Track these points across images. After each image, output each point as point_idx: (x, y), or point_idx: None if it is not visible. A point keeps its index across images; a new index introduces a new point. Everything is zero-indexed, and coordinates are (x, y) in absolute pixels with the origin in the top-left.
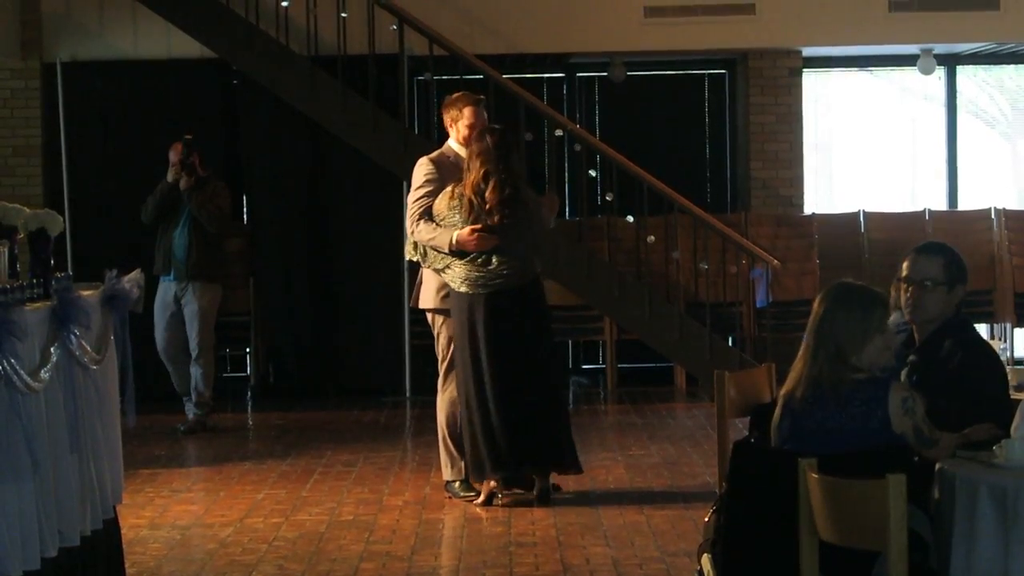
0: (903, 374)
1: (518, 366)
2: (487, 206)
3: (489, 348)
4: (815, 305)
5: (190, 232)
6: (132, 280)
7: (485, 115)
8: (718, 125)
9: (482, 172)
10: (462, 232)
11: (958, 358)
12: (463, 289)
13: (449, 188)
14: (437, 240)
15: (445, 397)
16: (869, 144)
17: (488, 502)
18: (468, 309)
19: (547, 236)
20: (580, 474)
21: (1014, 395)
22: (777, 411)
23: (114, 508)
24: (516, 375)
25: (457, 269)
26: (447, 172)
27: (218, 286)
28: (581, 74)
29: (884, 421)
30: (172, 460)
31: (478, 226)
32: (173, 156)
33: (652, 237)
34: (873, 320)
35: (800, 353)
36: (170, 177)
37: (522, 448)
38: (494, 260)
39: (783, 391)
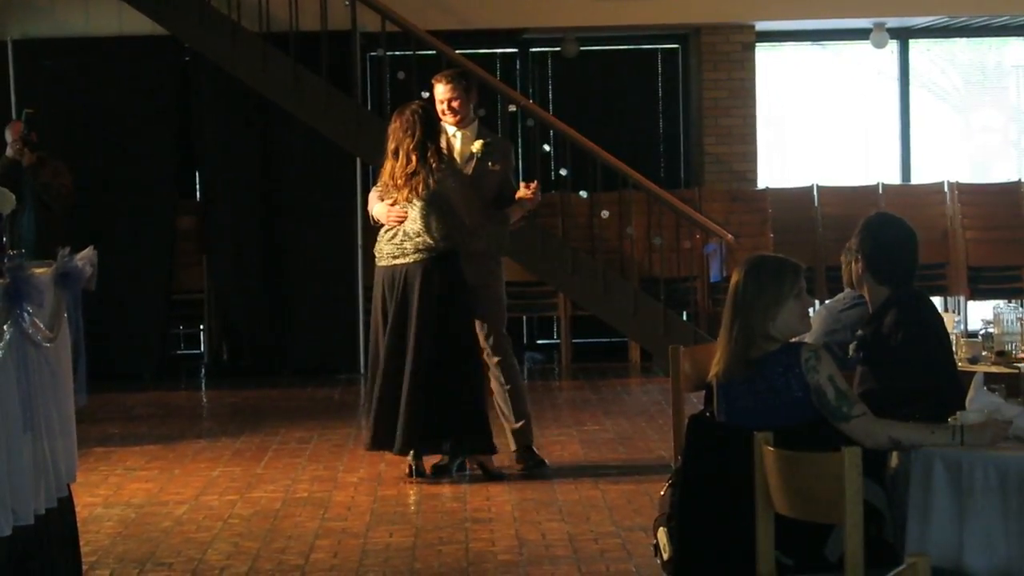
0: (851, 348)
1: (410, 342)
2: (394, 182)
3: (386, 322)
4: (731, 282)
5: (35, 214)
6: (85, 258)
7: (450, 88)
8: (671, 100)
9: (391, 149)
10: (379, 207)
11: (900, 335)
12: (377, 262)
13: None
14: (372, 215)
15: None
16: (822, 118)
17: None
18: (378, 282)
19: (485, 219)
20: (491, 454)
21: (967, 368)
22: (713, 395)
23: (68, 486)
24: (408, 350)
25: (378, 244)
26: None
27: None
28: (534, 49)
29: (806, 387)
30: (126, 438)
31: (390, 202)
32: (9, 135)
33: (606, 212)
34: (784, 286)
35: (720, 333)
36: (10, 152)
37: (402, 424)
38: (399, 235)
39: (710, 375)
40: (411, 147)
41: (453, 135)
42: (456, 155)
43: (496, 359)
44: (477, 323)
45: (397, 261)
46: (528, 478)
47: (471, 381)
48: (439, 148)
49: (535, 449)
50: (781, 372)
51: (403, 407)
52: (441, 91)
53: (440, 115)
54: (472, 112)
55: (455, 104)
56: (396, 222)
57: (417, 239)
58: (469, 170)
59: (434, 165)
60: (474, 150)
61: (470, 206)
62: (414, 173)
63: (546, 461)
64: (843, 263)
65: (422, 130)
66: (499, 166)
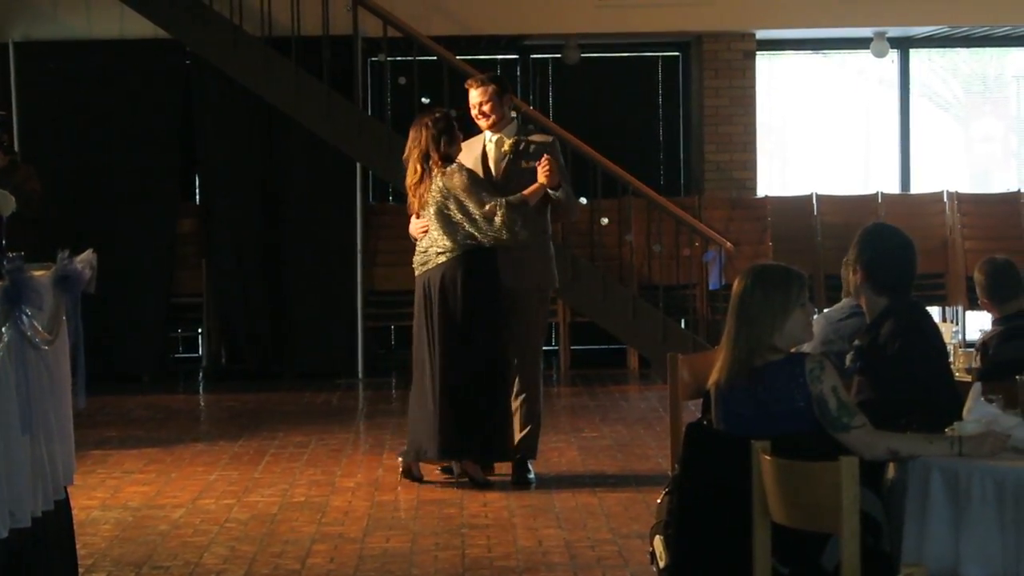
0: (848, 358)
1: (444, 347)
2: (411, 193)
3: (426, 329)
4: (734, 290)
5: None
6: (84, 261)
7: (480, 92)
8: (672, 108)
9: (404, 160)
10: (411, 223)
11: (897, 345)
12: (416, 275)
13: None
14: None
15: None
16: (822, 127)
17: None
18: (416, 292)
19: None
20: (506, 461)
21: (965, 379)
22: (712, 402)
23: (65, 489)
24: (442, 356)
25: (414, 257)
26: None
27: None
28: (535, 56)
29: (808, 396)
30: (124, 441)
31: (414, 215)
32: None
33: (606, 219)
34: (791, 295)
35: (723, 340)
36: None
37: (441, 434)
38: (425, 243)
39: (711, 382)
40: (418, 157)
41: (489, 139)
42: (491, 158)
43: (519, 365)
44: (513, 325)
45: (424, 268)
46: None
47: (487, 388)
48: (445, 153)
49: (529, 464)
50: (784, 381)
51: (439, 413)
52: (472, 96)
53: (475, 120)
54: (507, 114)
55: (486, 108)
56: (422, 233)
57: (438, 243)
58: (501, 170)
59: (435, 170)
60: (504, 149)
61: (477, 196)
62: (419, 182)
63: (533, 480)
64: (843, 272)
65: (427, 139)
66: (534, 163)
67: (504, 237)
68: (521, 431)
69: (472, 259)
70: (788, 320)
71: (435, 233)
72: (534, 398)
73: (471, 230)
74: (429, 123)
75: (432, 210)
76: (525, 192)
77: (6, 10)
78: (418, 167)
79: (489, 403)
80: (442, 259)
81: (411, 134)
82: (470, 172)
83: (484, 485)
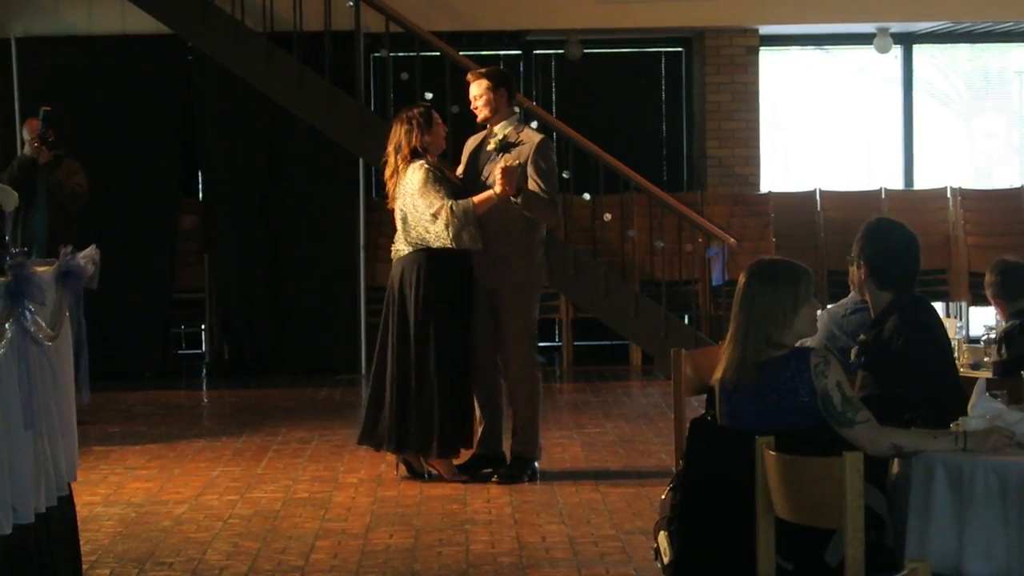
0: (853, 353)
1: (396, 340)
2: (387, 187)
3: (384, 319)
4: (740, 287)
5: (49, 212)
6: (87, 256)
7: (476, 85)
8: (675, 103)
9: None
10: None
11: (901, 340)
12: None
13: None
14: None
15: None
16: (825, 123)
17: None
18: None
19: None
20: (445, 458)
21: (969, 374)
22: (716, 398)
23: (68, 485)
24: (395, 347)
25: None
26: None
27: None
28: (537, 52)
29: (812, 391)
30: (126, 437)
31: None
32: (27, 133)
33: (608, 215)
34: (801, 292)
35: (728, 337)
36: (28, 151)
37: (390, 423)
38: (397, 234)
39: (715, 378)
40: (392, 151)
41: (486, 132)
42: (483, 152)
43: (504, 365)
44: (500, 325)
45: (392, 259)
46: (529, 480)
47: (430, 384)
48: (415, 147)
49: (535, 464)
50: (789, 376)
51: (390, 404)
52: (471, 90)
53: (474, 112)
54: (504, 109)
55: (479, 102)
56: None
57: (398, 239)
58: (483, 164)
59: (402, 165)
60: (489, 147)
61: (427, 197)
62: (391, 176)
63: (530, 477)
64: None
65: (402, 133)
66: (517, 161)
67: (447, 241)
68: (514, 431)
69: (425, 259)
70: (798, 316)
71: (398, 228)
72: (526, 398)
73: (423, 231)
74: (405, 117)
75: (398, 204)
76: (475, 198)
77: (8, 6)
78: (393, 161)
79: (432, 399)
80: (399, 253)
81: (393, 128)
82: (430, 170)
83: (453, 482)
